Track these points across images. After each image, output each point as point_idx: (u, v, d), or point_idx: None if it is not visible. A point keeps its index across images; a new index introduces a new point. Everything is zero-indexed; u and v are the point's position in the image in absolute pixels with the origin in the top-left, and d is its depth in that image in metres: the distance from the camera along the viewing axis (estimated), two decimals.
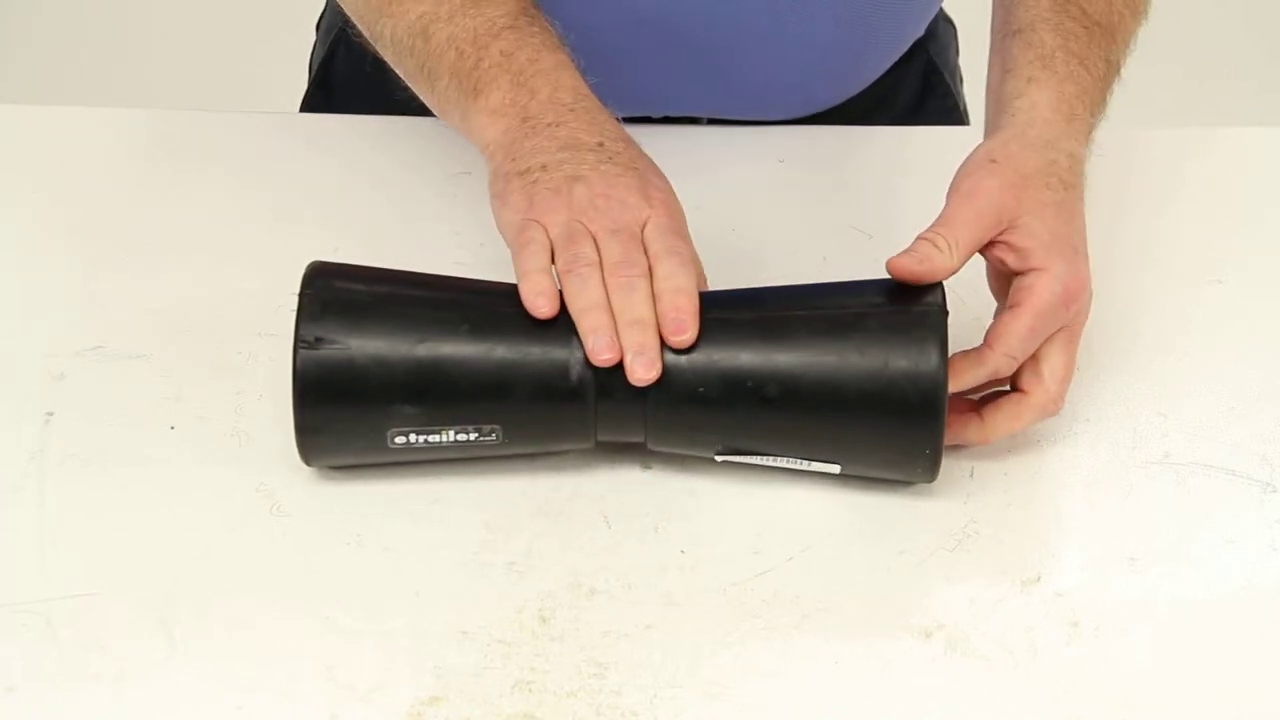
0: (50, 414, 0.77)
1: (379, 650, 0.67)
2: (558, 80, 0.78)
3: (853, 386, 0.70)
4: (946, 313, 0.70)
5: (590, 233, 0.72)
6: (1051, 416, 0.75)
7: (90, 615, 0.68)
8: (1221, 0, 2.49)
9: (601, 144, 0.76)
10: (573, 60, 0.80)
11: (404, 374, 0.70)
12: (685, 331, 0.69)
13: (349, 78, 1.08)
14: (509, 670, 0.66)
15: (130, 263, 0.87)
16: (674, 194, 0.76)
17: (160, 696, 0.65)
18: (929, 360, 0.69)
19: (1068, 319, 0.74)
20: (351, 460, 0.74)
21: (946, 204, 0.74)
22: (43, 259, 0.87)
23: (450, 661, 0.66)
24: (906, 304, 0.71)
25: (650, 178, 0.76)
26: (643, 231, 0.73)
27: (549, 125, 0.77)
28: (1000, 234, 0.73)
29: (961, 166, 0.75)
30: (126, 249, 0.88)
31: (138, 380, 0.79)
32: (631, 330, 0.69)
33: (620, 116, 1.01)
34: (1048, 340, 0.74)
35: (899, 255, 0.71)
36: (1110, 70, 0.81)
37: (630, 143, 0.78)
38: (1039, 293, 0.72)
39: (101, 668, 0.66)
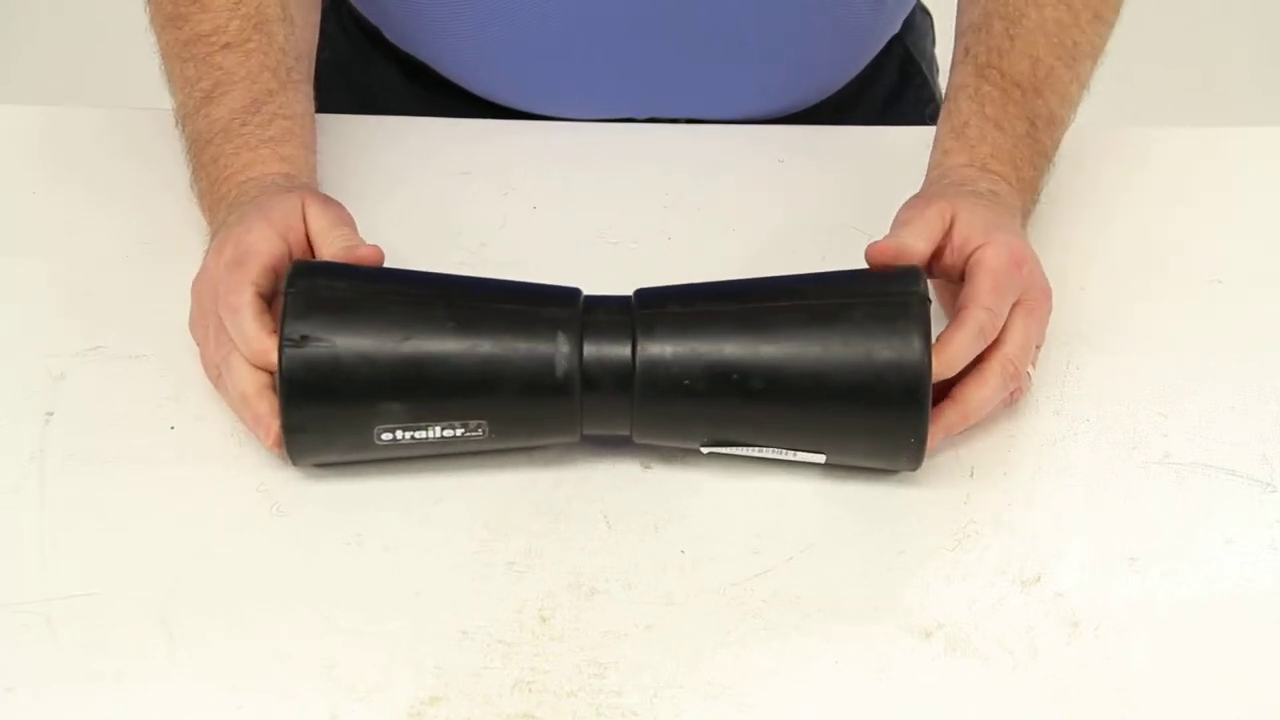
0: (50, 414, 0.77)
1: (379, 650, 0.67)
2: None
3: (837, 376, 0.70)
4: (929, 300, 0.71)
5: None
6: (1016, 385, 0.76)
7: (90, 615, 0.68)
8: (1223, 1, 2.49)
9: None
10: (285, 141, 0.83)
11: (390, 371, 0.70)
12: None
13: (334, 70, 1.07)
14: (509, 670, 0.66)
15: (130, 263, 0.87)
16: (254, 241, 0.76)
17: (160, 696, 0.65)
18: (912, 348, 0.69)
19: (1021, 281, 0.76)
20: (338, 458, 0.73)
21: (893, 228, 0.78)
22: (43, 259, 0.87)
23: (450, 661, 0.66)
24: (889, 293, 0.71)
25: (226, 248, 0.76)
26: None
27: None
28: (943, 239, 0.77)
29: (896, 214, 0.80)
30: (126, 249, 0.88)
31: (138, 380, 0.79)
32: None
33: (606, 118, 1.01)
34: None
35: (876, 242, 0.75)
36: (1036, 126, 0.84)
37: (244, 209, 0.79)
38: (988, 258, 0.75)
39: (101, 668, 0.66)
